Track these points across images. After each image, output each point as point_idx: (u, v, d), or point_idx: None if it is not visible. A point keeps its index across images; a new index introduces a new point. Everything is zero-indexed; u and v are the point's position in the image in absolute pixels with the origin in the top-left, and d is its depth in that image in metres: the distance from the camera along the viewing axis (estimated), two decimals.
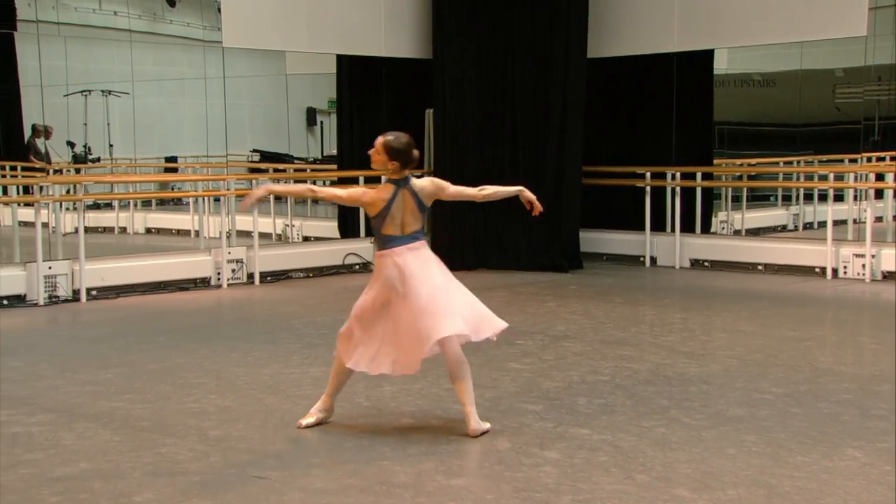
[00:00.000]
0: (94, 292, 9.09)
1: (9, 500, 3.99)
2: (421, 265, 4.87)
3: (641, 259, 11.43)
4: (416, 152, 4.90)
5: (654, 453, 4.53)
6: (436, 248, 11.07)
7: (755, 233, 11.99)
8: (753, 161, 12.28)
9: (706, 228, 11.60)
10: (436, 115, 11.42)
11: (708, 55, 11.42)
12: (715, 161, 11.89)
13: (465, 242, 11.22)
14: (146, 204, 13.70)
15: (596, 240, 11.69)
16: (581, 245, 11.34)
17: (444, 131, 11.28)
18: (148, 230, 13.32)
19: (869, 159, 11.04)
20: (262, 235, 10.77)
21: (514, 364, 6.41)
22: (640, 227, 11.36)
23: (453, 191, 5.05)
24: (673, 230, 11.21)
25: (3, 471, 4.32)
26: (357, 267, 11.19)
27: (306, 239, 12.53)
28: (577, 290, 9.67)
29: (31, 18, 10.50)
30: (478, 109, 11.22)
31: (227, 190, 10.50)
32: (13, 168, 12.47)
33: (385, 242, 4.90)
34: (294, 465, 4.41)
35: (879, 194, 11.15)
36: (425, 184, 4.99)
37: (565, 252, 11.07)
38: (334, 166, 12.95)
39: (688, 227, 11.28)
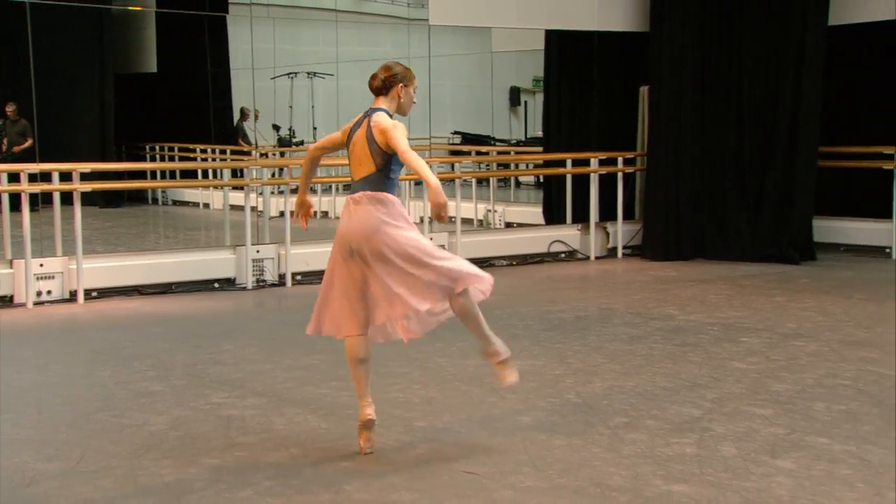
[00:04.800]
0: (298, 277, 9.59)
1: (226, 481, 4.30)
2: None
3: (887, 250, 10.83)
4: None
5: None
6: (648, 235, 11.13)
7: None
8: None
9: None
10: (651, 93, 11.21)
11: None
12: None
13: (681, 229, 10.97)
14: (347, 187, 14.26)
15: (832, 229, 11.17)
16: (815, 234, 10.84)
17: (659, 110, 11.05)
18: None
19: None
20: (464, 221, 10.96)
21: (738, 363, 6.23)
22: (886, 214, 10.76)
23: (401, 150, 4.44)
24: None
25: (219, 452, 4.66)
26: (563, 255, 11.19)
27: (509, 225, 12.67)
28: (809, 284, 9.26)
29: (244, 1, 11.12)
30: (698, 85, 10.92)
31: None
32: (223, 152, 13.34)
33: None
34: (502, 462, 4.49)
35: None
36: (382, 120, 4.54)
37: (796, 242, 10.63)
38: (539, 148, 13.01)
39: None
